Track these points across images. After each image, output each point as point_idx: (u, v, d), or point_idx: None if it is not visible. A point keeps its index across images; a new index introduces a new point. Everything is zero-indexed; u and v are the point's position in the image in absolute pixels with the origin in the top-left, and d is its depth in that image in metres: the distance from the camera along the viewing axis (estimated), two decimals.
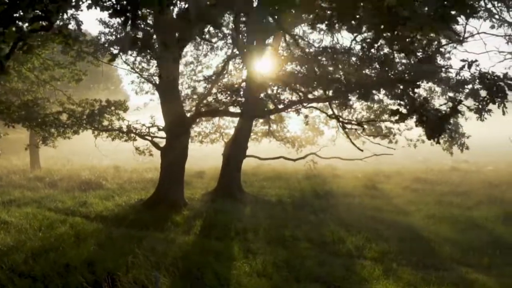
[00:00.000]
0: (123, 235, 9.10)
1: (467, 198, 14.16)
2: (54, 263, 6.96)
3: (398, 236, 9.44)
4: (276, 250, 8.21)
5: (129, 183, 17.16)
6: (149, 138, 12.71)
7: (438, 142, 4.52)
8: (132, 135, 13.24)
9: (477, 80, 6.24)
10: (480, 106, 7.86)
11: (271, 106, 12.93)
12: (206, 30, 19.30)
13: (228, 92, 10.88)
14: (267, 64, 13.70)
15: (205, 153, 25.60)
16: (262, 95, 11.31)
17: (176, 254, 7.62)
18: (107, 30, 13.90)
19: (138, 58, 15.33)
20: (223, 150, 15.34)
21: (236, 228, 10.07)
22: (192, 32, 11.50)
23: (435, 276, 6.90)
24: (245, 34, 14.30)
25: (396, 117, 4.58)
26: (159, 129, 11.99)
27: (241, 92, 10.86)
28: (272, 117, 20.06)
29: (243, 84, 14.12)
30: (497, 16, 13.70)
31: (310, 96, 11.49)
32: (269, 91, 11.09)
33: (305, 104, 11.93)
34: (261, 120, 20.32)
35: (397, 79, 4.46)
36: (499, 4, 12.16)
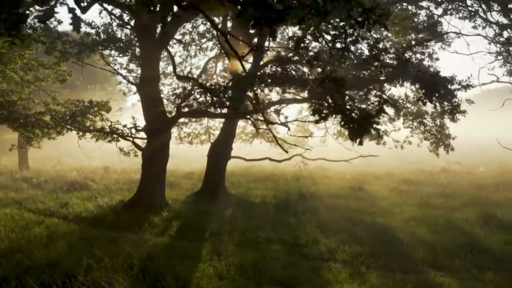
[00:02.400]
0: (95, 236, 9.05)
1: (452, 200, 14.04)
2: (16, 264, 6.90)
3: (373, 238, 9.34)
4: (245, 252, 8.13)
5: (116, 184, 17.12)
6: (131, 139, 12.65)
7: (360, 144, 4.43)
8: (115, 135, 13.19)
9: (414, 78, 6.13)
10: (451, 107, 7.78)
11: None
12: (194, 30, 19.38)
13: (208, 93, 10.80)
14: (250, 64, 13.64)
15: (198, 154, 25.58)
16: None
17: (143, 256, 7.54)
18: (92, 31, 13.94)
19: (125, 59, 15.36)
20: (207, 151, 15.29)
21: (211, 229, 10.01)
22: (171, 32, 11.49)
23: (400, 279, 6.81)
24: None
25: (317, 117, 4.49)
26: (136, 130, 11.92)
27: (220, 93, 10.78)
28: (261, 117, 20.04)
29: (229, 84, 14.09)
30: (483, 16, 13.62)
31: (288, 96, 11.44)
32: (249, 92, 11.02)
33: (283, 105, 11.89)
34: (249, 121, 20.29)
35: (324, 78, 4.39)
36: (484, 6, 12.05)
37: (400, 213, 12.09)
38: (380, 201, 14.37)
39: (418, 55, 16.43)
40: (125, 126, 12.54)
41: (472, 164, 24.86)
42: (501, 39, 12.26)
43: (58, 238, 8.84)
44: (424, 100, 6.29)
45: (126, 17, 12.16)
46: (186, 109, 11.96)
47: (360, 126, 4.20)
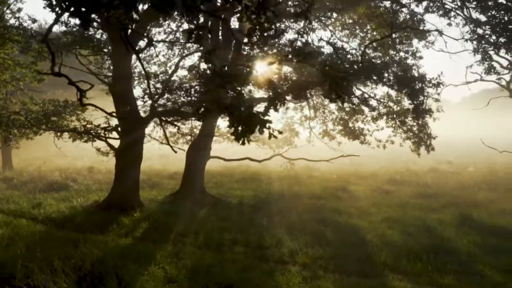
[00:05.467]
0: (58, 237, 8.89)
1: (434, 200, 13.79)
2: None
3: (341, 239, 9.13)
4: (204, 254, 7.95)
5: (96, 184, 17.01)
6: (104, 138, 12.49)
7: (243, 144, 4.21)
8: (90, 135, 13.05)
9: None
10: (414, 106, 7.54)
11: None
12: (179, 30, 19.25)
13: (179, 92, 10.64)
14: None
15: None
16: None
17: (97, 258, 7.36)
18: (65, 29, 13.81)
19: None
20: (186, 151, 15.11)
21: (178, 230, 9.83)
22: (140, 31, 11.32)
23: (356, 283, 6.61)
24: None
25: (200, 114, 4.29)
26: (106, 130, 11.75)
27: (192, 92, 10.61)
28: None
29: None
30: (465, 14, 13.34)
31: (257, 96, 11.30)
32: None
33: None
34: None
35: (218, 74, 4.21)
36: (458, 2, 11.79)
37: (377, 214, 11.88)
38: (360, 201, 14.14)
39: (402, 54, 16.28)
40: (98, 125, 12.39)
41: (462, 164, 24.56)
42: (476, 36, 11.97)
43: (20, 240, 8.70)
44: (333, 97, 6.07)
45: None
46: (160, 109, 11.81)
47: (246, 125, 3.99)
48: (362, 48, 17.68)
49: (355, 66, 8.76)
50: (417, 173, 20.15)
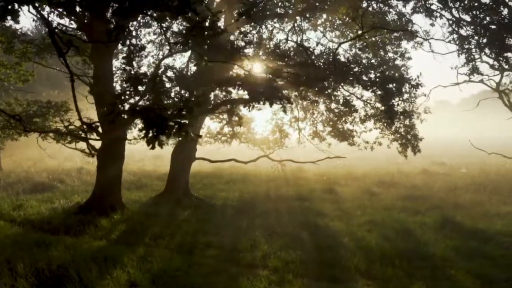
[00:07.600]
0: (29, 240, 8.79)
1: (420, 203, 13.60)
2: None
3: (317, 243, 8.99)
4: (174, 258, 7.83)
5: (83, 185, 16.93)
6: (85, 139, 12.39)
7: (153, 148, 4.09)
8: (73, 136, 12.96)
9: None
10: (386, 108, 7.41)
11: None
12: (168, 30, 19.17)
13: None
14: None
15: None
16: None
17: (65, 261, 7.26)
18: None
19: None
20: (171, 152, 15.02)
21: (154, 233, 9.73)
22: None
23: None
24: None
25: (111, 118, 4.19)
26: (83, 130, 11.62)
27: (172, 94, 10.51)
28: (237, 118, 19.76)
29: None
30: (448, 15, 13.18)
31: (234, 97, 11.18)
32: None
33: (229, 106, 11.63)
34: (224, 122, 20.02)
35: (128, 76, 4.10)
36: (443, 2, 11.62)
37: (360, 217, 11.72)
38: (346, 203, 13.99)
39: (391, 54, 16.15)
40: (79, 126, 12.27)
41: (455, 165, 24.35)
42: (455, 36, 11.81)
43: None
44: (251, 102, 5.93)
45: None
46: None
47: (157, 129, 3.87)
48: (354, 49, 17.58)
49: (330, 67, 8.66)
50: (408, 175, 19.97)
